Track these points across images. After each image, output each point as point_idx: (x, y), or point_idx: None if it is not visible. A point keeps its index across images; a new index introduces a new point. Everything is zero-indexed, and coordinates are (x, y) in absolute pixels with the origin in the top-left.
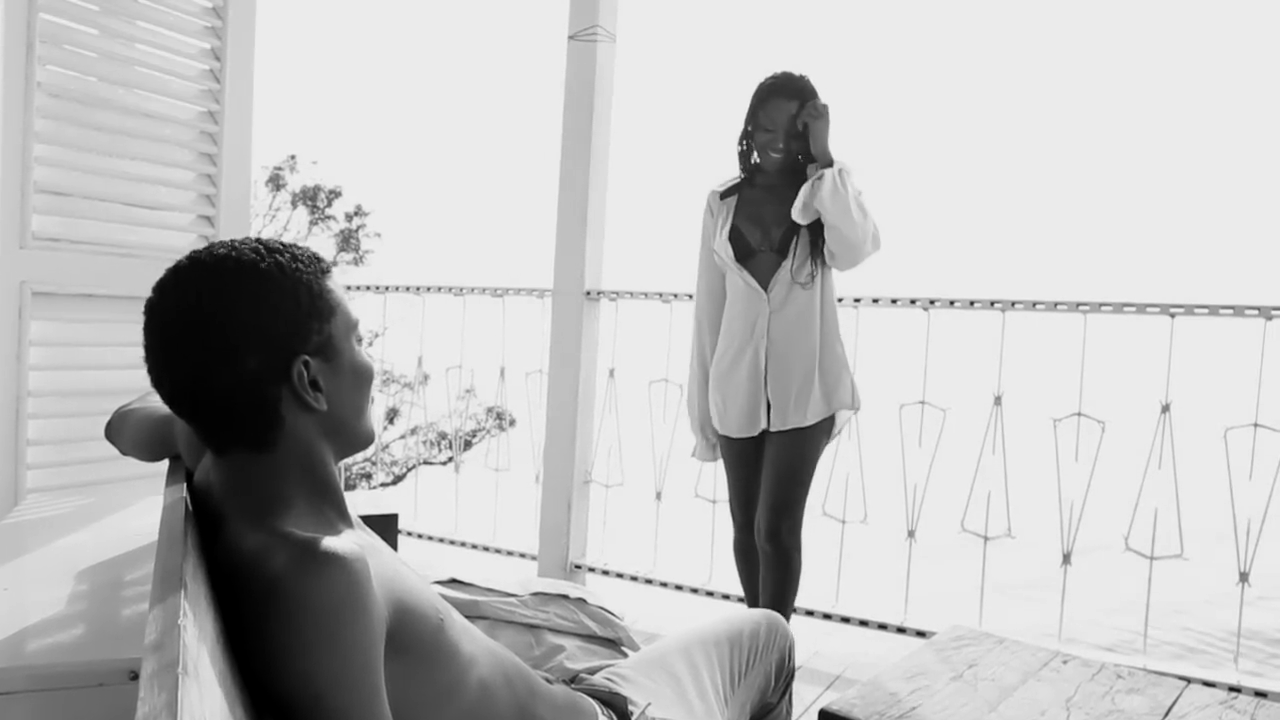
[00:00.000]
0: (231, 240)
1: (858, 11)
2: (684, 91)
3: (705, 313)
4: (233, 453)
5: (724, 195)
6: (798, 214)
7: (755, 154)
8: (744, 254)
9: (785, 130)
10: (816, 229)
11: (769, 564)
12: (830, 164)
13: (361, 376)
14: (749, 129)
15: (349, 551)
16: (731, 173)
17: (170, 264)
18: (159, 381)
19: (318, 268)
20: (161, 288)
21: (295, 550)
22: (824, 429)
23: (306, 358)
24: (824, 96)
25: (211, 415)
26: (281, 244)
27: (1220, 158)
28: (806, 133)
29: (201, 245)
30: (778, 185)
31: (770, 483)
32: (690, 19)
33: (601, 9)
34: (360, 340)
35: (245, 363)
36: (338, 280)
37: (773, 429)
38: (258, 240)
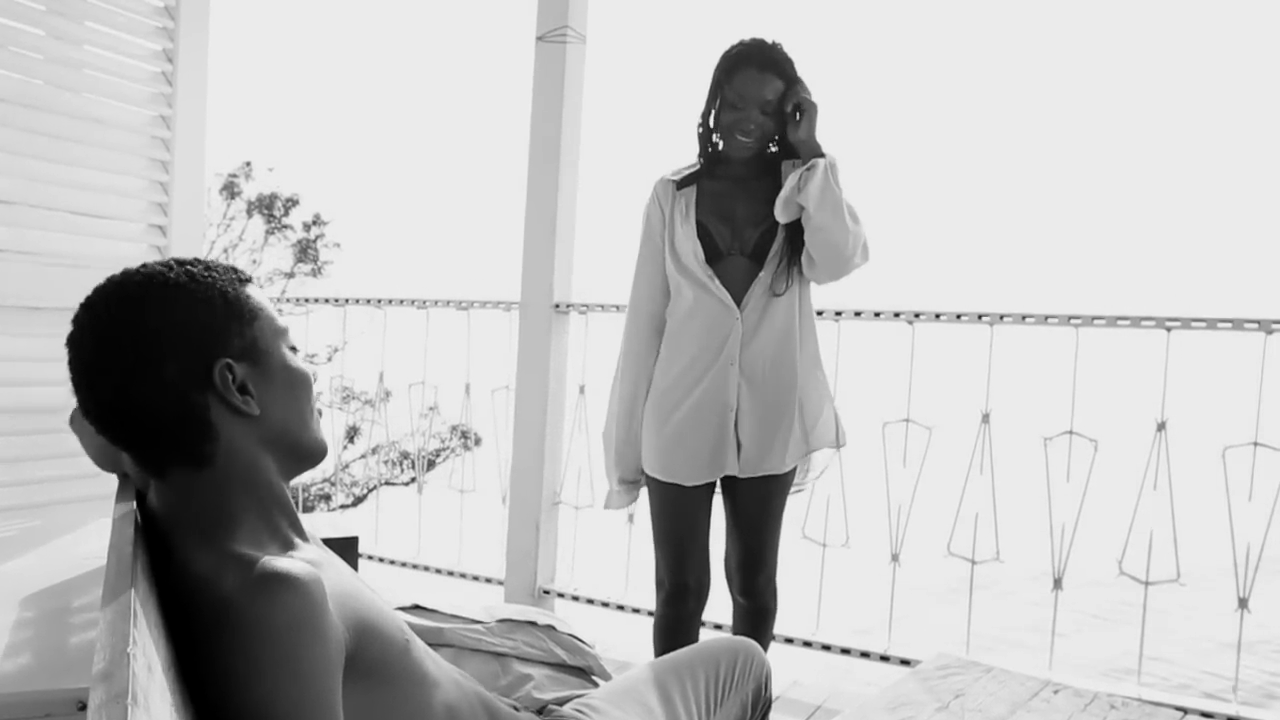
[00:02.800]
0: (143, 263)
1: (841, 13)
2: (658, 96)
3: (647, 325)
4: (173, 473)
5: (680, 185)
6: (780, 210)
7: (719, 138)
8: (710, 257)
9: (758, 108)
10: (795, 231)
11: (740, 614)
12: (821, 155)
13: (296, 381)
14: (712, 106)
15: (303, 572)
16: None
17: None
18: (86, 407)
19: (234, 276)
20: (75, 319)
21: (247, 571)
22: (798, 470)
23: (229, 361)
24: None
25: (141, 433)
26: (195, 259)
27: (1218, 165)
28: (784, 115)
29: (153, 255)
30: (746, 178)
31: (738, 536)
32: (664, 20)
33: (571, 9)
34: (294, 349)
35: (164, 370)
36: (260, 291)
37: (743, 475)
38: (171, 259)
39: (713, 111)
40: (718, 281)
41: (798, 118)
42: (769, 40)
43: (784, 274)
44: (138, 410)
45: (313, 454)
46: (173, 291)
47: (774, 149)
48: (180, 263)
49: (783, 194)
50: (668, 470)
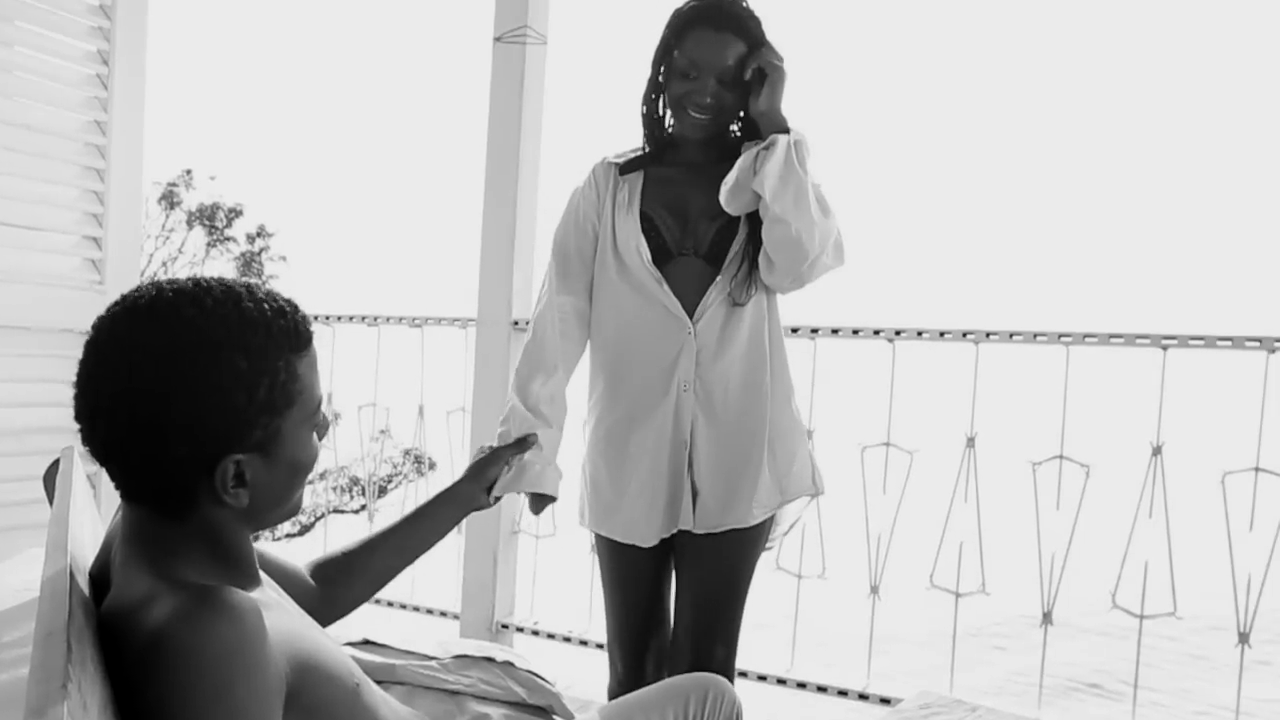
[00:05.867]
0: (206, 285)
1: (825, 15)
2: (624, 100)
3: (571, 318)
4: (139, 506)
5: (624, 170)
6: (727, 198)
7: (669, 116)
8: (658, 257)
9: (715, 77)
10: (760, 228)
11: None
12: (784, 130)
13: (300, 471)
14: (659, 77)
15: (240, 602)
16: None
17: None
18: (78, 415)
19: (294, 343)
20: (112, 323)
21: (182, 598)
22: (768, 524)
23: (239, 457)
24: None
25: (121, 473)
26: (266, 303)
27: (1217, 176)
28: (750, 84)
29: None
30: (702, 164)
31: (696, 601)
32: (631, 20)
33: (531, 8)
34: (317, 426)
35: (171, 449)
36: (313, 354)
37: (698, 530)
38: (237, 291)
39: (660, 83)
40: (666, 286)
41: (760, 85)
42: None
43: (746, 280)
44: (129, 464)
45: (280, 522)
46: (219, 370)
47: (737, 132)
48: (245, 318)
49: (731, 176)
50: (618, 528)
